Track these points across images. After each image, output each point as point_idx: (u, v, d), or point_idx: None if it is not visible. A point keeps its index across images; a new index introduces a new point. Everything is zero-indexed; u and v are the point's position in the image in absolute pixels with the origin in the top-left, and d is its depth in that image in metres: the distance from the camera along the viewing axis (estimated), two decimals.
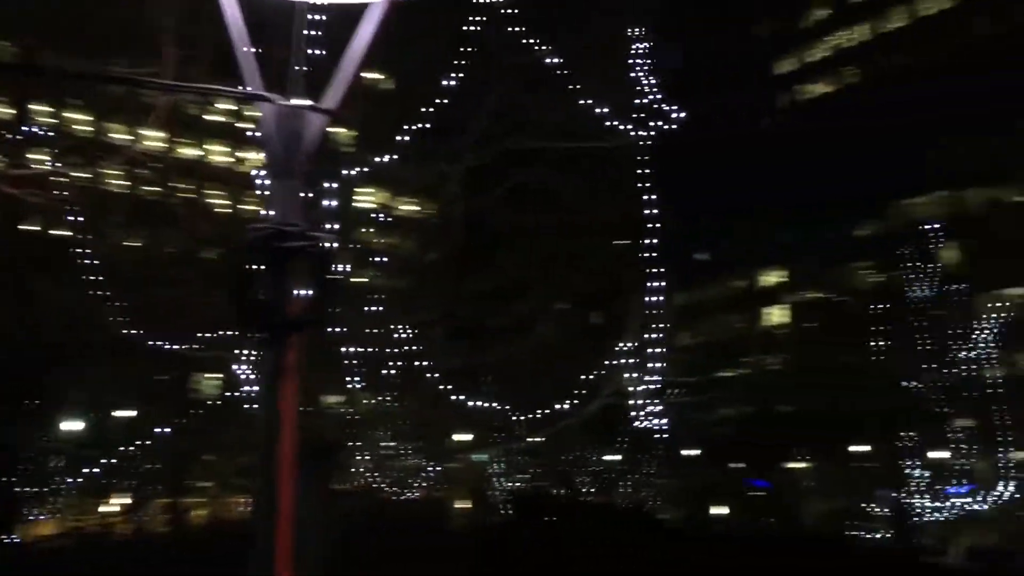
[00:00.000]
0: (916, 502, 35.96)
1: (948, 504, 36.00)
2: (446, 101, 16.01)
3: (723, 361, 48.65)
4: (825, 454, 39.04)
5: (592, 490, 33.80)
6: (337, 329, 15.26)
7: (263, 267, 5.68)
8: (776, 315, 55.00)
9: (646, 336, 20.07)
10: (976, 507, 35.92)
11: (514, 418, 20.07)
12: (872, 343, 38.95)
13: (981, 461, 37.14)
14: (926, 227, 39.26)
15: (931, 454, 37.00)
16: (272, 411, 5.67)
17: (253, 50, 6.16)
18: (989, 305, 37.28)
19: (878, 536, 34.72)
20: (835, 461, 38.61)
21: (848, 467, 38.47)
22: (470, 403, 18.69)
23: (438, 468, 26.55)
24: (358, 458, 21.13)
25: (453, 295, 17.66)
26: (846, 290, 46.49)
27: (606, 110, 16.40)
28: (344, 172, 15.28)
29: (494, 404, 19.40)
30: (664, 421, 24.59)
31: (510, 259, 18.71)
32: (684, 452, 35.74)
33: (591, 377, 19.24)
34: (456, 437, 23.74)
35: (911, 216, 45.06)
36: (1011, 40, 44.21)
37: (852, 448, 38.63)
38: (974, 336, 36.52)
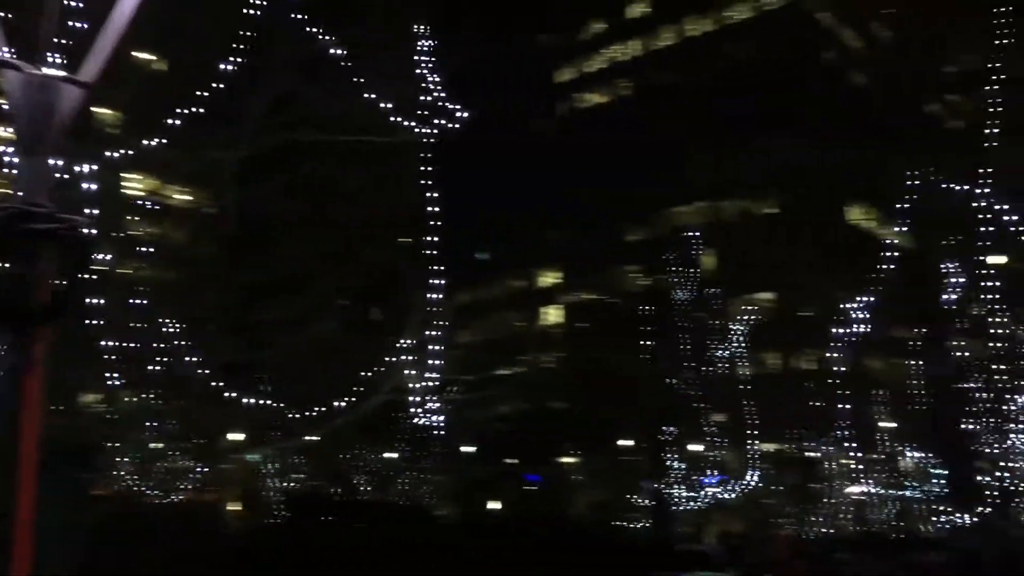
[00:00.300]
0: (675, 492, 38.23)
1: (702, 493, 38.55)
2: (222, 86, 15.36)
3: (501, 359, 49.78)
4: (594, 449, 40.73)
5: (369, 488, 33.50)
6: (96, 322, 14.25)
7: (5, 251, 5.17)
8: (552, 315, 56.94)
9: (426, 333, 20.17)
10: (726, 495, 38.71)
11: (290, 416, 19.56)
12: (640, 343, 41.02)
13: (731, 453, 40.09)
14: (688, 234, 41.80)
15: (689, 447, 39.46)
16: (13, 409, 5.18)
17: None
18: (741, 308, 40.30)
19: (640, 525, 36.60)
20: (603, 455, 40.35)
21: (615, 461, 40.30)
22: (244, 401, 18.04)
23: (208, 469, 25.40)
24: (119, 460, 19.86)
25: (226, 288, 16.97)
26: (617, 292, 48.75)
27: (389, 105, 16.34)
28: (108, 154, 14.31)
29: (269, 402, 18.83)
30: (442, 418, 24.84)
31: (288, 252, 18.21)
32: (461, 448, 36.18)
33: (370, 374, 19.11)
34: (229, 436, 22.85)
35: (675, 223, 48.08)
36: (765, 64, 48.17)
37: (619, 442, 40.51)
38: (728, 337, 39.33)
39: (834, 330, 32.38)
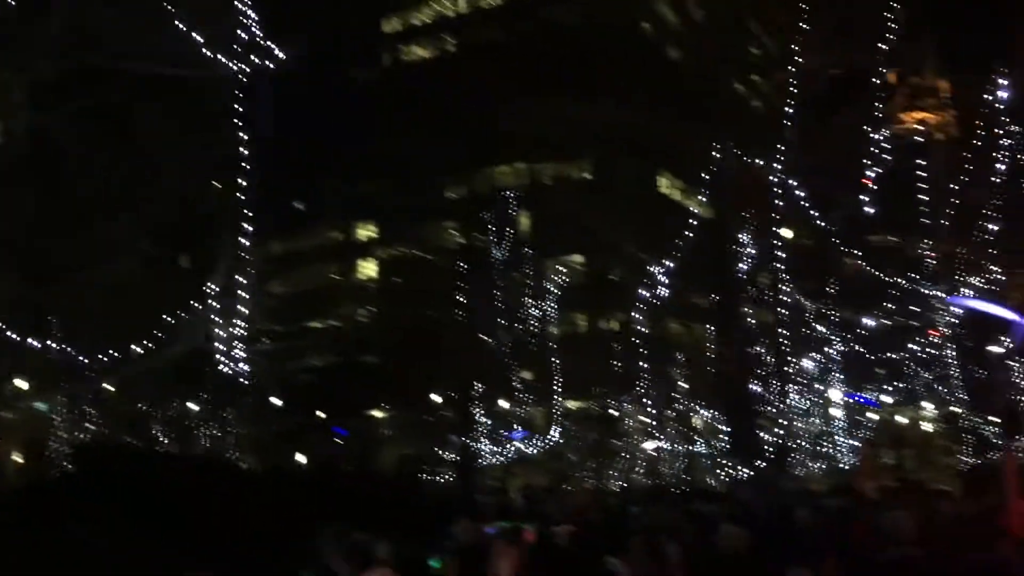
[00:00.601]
0: (482, 446, 39.05)
1: (508, 448, 39.59)
2: (12, 3, 14.12)
3: (314, 311, 48.95)
4: (404, 403, 40.90)
5: (168, 440, 32.26)
6: None
7: None
8: (368, 268, 56.45)
9: (235, 280, 19.49)
10: (530, 450, 39.94)
11: (82, 361, 18.47)
12: (454, 300, 41.35)
13: (537, 409, 41.33)
14: (505, 194, 42.36)
15: (497, 403, 40.34)
16: None
17: None
18: (554, 269, 41.38)
19: (447, 478, 37.17)
20: (413, 410, 40.59)
21: (424, 415, 40.64)
22: (30, 343, 16.86)
23: None
24: None
25: (12, 219, 15.72)
26: (433, 248, 48.84)
27: (200, 39, 15.50)
28: None
29: (59, 345, 17.69)
30: (249, 368, 24.14)
31: (84, 185, 17.03)
32: (269, 400, 35.45)
33: (172, 319, 18.30)
34: (14, 382, 21.34)
35: (493, 183, 48.64)
36: (587, 29, 49.29)
37: (430, 397, 40.85)
38: (540, 297, 40.33)
39: (639, 292, 33.83)
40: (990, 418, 30.01)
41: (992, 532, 10.96)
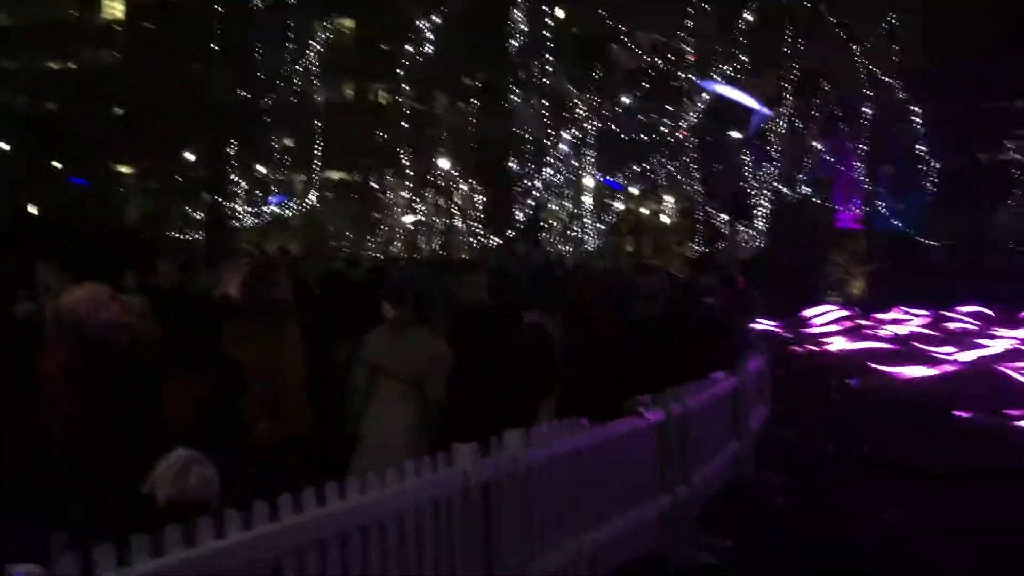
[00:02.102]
0: (237, 208, 37.96)
1: (265, 210, 38.80)
2: None
3: (50, 49, 43.99)
4: (154, 157, 38.56)
5: None
6: None
7: None
8: (115, 8, 50.99)
9: None
10: (287, 214, 39.38)
11: None
12: (211, 52, 38.55)
13: (296, 175, 40.47)
14: None
15: (255, 166, 39.07)
16: None
17: None
18: (322, 27, 39.36)
19: (196, 237, 36.12)
20: (162, 164, 38.46)
21: (173, 172, 38.68)
22: None
23: None
24: None
25: None
26: None
27: None
28: None
29: None
30: None
31: None
32: None
33: None
34: None
35: None
36: None
37: (183, 155, 38.77)
38: (304, 59, 38.48)
39: (406, 62, 33.05)
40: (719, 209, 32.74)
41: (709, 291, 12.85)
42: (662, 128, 34.15)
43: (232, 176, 37.77)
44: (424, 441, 5.76)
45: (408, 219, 41.51)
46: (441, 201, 39.60)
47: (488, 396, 5.80)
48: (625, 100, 35.49)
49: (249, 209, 38.26)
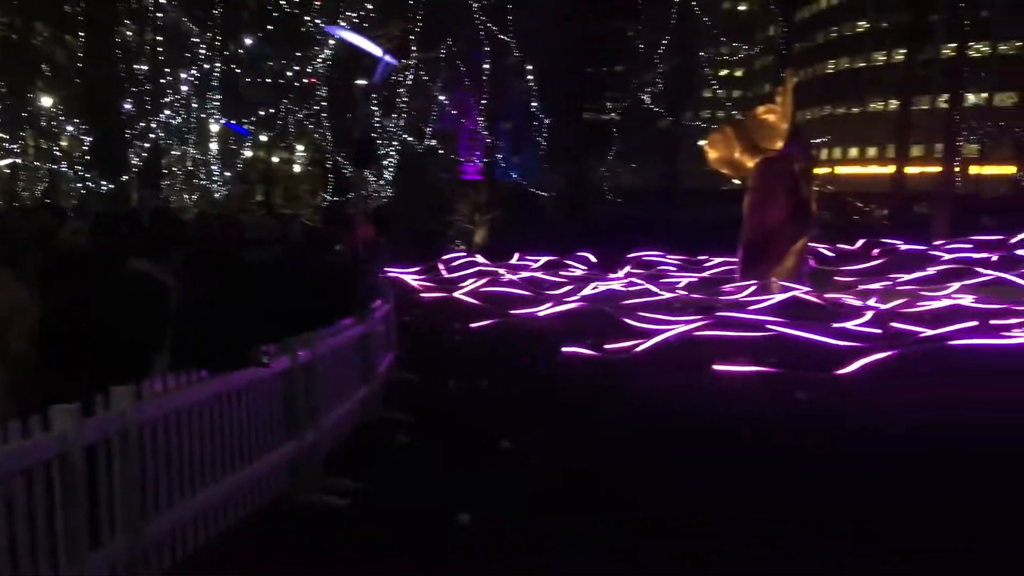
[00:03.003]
0: None
1: None
2: None
3: None
4: None
5: None
6: None
7: None
8: None
9: None
10: None
11: None
12: None
13: None
14: None
15: None
16: None
17: None
18: None
19: None
20: None
21: None
22: None
23: None
24: None
25: None
26: None
27: None
28: None
29: None
30: None
31: None
32: None
33: None
34: None
35: None
36: None
37: None
38: None
39: None
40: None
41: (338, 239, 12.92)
42: (289, 74, 33.30)
43: None
44: (11, 405, 5.14)
45: (2, 162, 36.98)
46: (44, 144, 35.58)
47: (89, 350, 5.34)
48: (249, 41, 34.08)
49: None
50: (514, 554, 6.47)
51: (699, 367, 12.40)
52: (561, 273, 22.27)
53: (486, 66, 32.66)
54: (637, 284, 20.15)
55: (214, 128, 38.21)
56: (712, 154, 20.53)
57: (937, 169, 35.27)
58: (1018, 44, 39.34)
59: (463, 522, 6.86)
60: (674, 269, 23.06)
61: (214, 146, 38.66)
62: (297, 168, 46.50)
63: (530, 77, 33.98)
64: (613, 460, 8.66)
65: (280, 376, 7.08)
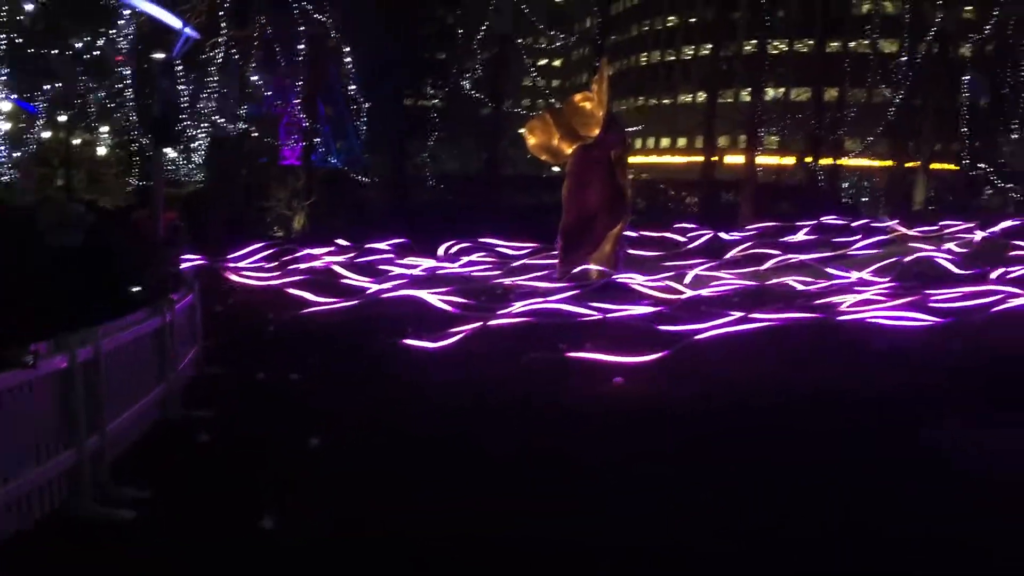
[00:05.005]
0: None
1: None
2: None
3: None
4: None
5: None
6: None
7: None
8: None
9: None
10: None
11: None
12: None
13: None
14: None
15: None
16: None
17: None
18: None
19: None
20: None
21: None
22: None
23: None
24: None
25: None
26: None
27: None
28: None
29: None
30: None
31: None
32: None
33: None
34: None
35: None
36: None
37: None
38: None
39: None
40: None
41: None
42: (79, 46, 30.86)
43: None
44: None
45: None
46: None
47: None
48: (30, 8, 31.38)
49: None
50: (321, 555, 6.14)
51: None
52: (375, 260, 21.85)
53: (301, 46, 31.53)
54: (447, 269, 20.01)
55: (5, 106, 35.18)
56: (531, 140, 20.60)
57: (741, 159, 37.05)
58: (810, 43, 41.85)
59: (267, 527, 6.46)
60: (490, 255, 23.03)
61: (4, 125, 35.62)
62: (103, 151, 43.59)
63: (348, 60, 33.11)
64: (417, 459, 8.36)
65: (53, 378, 6.41)
